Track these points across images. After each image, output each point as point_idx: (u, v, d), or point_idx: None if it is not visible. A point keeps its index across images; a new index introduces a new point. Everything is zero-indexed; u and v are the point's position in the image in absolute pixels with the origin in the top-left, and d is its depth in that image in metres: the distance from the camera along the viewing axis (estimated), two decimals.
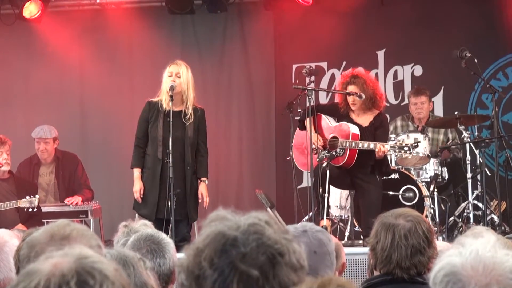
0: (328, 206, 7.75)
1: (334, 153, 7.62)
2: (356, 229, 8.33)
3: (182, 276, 1.82)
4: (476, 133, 8.95)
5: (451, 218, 8.49)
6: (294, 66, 10.42)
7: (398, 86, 10.28)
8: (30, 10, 10.18)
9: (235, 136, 10.70)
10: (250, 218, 1.84)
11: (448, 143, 9.01)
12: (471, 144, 8.36)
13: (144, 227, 3.90)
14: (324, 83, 10.29)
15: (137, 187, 7.50)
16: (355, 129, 7.71)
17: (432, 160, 8.56)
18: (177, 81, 7.42)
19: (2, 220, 8.01)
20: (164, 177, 7.37)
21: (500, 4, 9.89)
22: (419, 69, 10.20)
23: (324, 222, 7.45)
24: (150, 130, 7.53)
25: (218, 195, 10.21)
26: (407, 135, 8.30)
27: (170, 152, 7.27)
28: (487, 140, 8.63)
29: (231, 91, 10.74)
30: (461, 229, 8.23)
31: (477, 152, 8.36)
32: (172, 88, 7.35)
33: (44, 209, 8.46)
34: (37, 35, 10.58)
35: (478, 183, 8.47)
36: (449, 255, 1.86)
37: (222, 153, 10.44)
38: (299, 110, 8.06)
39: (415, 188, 8.40)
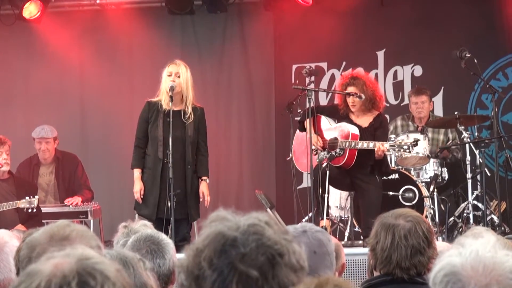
0: (328, 207, 7.74)
1: (333, 153, 7.62)
2: (356, 229, 8.33)
3: (182, 276, 1.82)
4: (476, 134, 8.94)
5: (451, 219, 8.48)
6: (294, 67, 10.42)
7: (398, 87, 10.28)
8: (30, 11, 10.17)
9: (235, 136, 10.70)
10: (250, 219, 1.84)
11: (448, 143, 9.02)
12: (471, 144, 8.36)
13: (144, 227, 3.90)
14: (324, 84, 10.29)
15: (138, 187, 7.50)
16: (354, 130, 7.71)
17: (432, 160, 8.56)
18: (176, 81, 7.42)
19: (1, 220, 8.00)
20: (164, 177, 7.37)
21: (500, 4, 9.89)
22: (419, 69, 10.20)
23: (324, 222, 7.45)
24: (150, 130, 7.53)
25: (218, 195, 10.20)
26: (407, 135, 8.30)
27: (170, 152, 7.27)
28: (487, 141, 8.63)
29: (231, 91, 10.74)
30: (461, 229, 8.23)
31: (477, 152, 8.35)
32: (172, 89, 7.35)
33: (43, 210, 8.46)
34: (37, 35, 10.58)
35: (478, 183, 8.47)
36: (449, 255, 1.86)
37: (222, 154, 10.44)
38: (299, 111, 8.06)
39: (415, 189, 8.40)
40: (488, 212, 8.26)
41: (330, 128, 7.89)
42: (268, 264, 1.78)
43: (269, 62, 10.66)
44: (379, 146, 7.51)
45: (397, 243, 3.32)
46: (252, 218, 1.84)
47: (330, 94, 9.41)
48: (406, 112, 9.36)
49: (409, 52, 10.18)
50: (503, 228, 8.05)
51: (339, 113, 7.90)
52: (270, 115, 10.63)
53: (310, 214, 7.84)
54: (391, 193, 8.32)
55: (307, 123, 7.67)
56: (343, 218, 8.73)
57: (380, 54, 10.31)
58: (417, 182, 8.43)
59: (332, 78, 10.29)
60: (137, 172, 7.55)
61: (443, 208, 8.47)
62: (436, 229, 8.03)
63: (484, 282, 1.79)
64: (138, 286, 2.65)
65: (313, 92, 7.76)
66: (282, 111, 8.82)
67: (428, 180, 8.62)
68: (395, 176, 8.43)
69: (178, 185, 7.38)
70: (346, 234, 8.60)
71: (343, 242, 7.77)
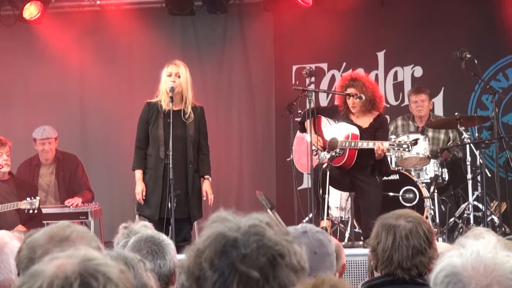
0: (328, 207, 7.75)
1: (334, 153, 7.63)
2: (356, 230, 8.33)
3: (182, 277, 1.82)
4: (476, 134, 8.94)
5: (451, 219, 8.48)
6: (294, 67, 10.42)
7: (398, 87, 10.28)
8: (30, 12, 10.18)
9: (235, 137, 10.70)
10: (250, 220, 1.84)
11: (449, 143, 9.02)
12: (471, 145, 8.36)
13: (144, 228, 3.90)
14: (324, 84, 10.28)
15: (139, 188, 7.49)
16: (354, 130, 7.72)
17: (432, 161, 8.56)
18: (177, 82, 7.43)
19: (2, 221, 8.00)
20: (166, 177, 7.37)
21: (500, 5, 9.88)
22: (419, 70, 10.20)
23: (324, 223, 7.45)
24: (151, 130, 7.53)
25: (219, 196, 10.19)
26: (407, 136, 8.30)
27: (171, 153, 7.27)
28: (487, 141, 8.63)
29: (231, 92, 10.74)
30: (461, 230, 8.23)
31: (477, 153, 8.35)
32: (172, 89, 7.36)
33: (44, 211, 8.46)
34: (37, 36, 10.58)
35: (478, 184, 8.46)
36: (450, 256, 1.86)
37: (222, 154, 10.44)
38: (299, 111, 8.06)
39: (415, 189, 8.40)
40: (488, 213, 8.26)
41: (330, 129, 7.89)
42: (269, 265, 1.77)
43: (269, 62, 10.66)
44: (378, 146, 7.52)
45: (399, 243, 3.32)
46: (253, 219, 1.84)
47: (330, 95, 9.41)
48: (407, 113, 9.36)
49: (409, 52, 10.18)
50: (503, 229, 8.05)
51: (339, 114, 7.91)
52: (270, 115, 10.63)
53: (311, 215, 7.84)
54: (391, 193, 8.32)
55: (308, 123, 7.68)
56: (343, 219, 8.73)
57: (380, 55, 10.31)
58: (418, 183, 8.43)
59: (333, 79, 10.29)
60: (138, 173, 7.55)
61: (444, 209, 8.47)
62: (436, 229, 8.03)
63: (485, 283, 1.79)
64: (138, 287, 2.65)
65: (313, 93, 7.76)
66: (282, 112, 8.82)
67: (429, 180, 8.62)
68: (395, 176, 8.43)
69: (179, 185, 7.38)
70: (347, 235, 8.60)
71: (343, 243, 7.77)
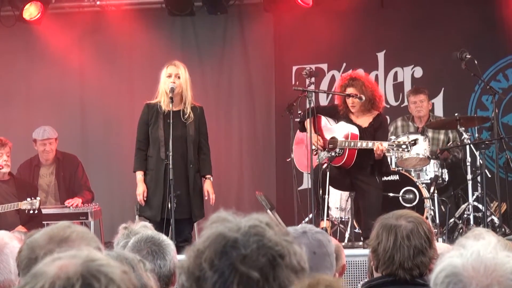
0: (328, 208, 7.75)
1: (333, 153, 7.63)
2: (356, 230, 8.33)
3: (182, 278, 1.82)
4: (476, 135, 8.94)
5: (451, 220, 8.48)
6: (294, 68, 10.41)
7: (398, 88, 10.27)
8: (30, 12, 10.17)
9: (235, 137, 10.70)
10: (250, 220, 1.84)
11: (449, 144, 9.02)
12: (471, 145, 8.36)
13: (144, 228, 3.90)
14: (324, 85, 10.28)
15: (141, 190, 7.49)
16: (354, 130, 7.73)
17: (432, 161, 8.56)
18: (177, 82, 7.43)
19: (2, 222, 8.00)
20: (167, 177, 7.37)
21: (500, 6, 9.88)
22: (419, 70, 10.20)
23: (324, 223, 7.46)
24: (151, 131, 7.53)
25: (219, 196, 10.15)
26: (407, 136, 8.30)
27: (171, 154, 7.27)
28: (487, 142, 8.62)
29: (231, 92, 10.74)
30: (461, 230, 8.23)
31: (477, 153, 8.35)
32: (172, 90, 7.36)
33: (44, 211, 8.45)
34: (37, 37, 10.58)
35: (478, 184, 8.46)
36: (450, 257, 1.86)
37: (222, 155, 10.43)
38: (299, 112, 8.06)
39: (415, 190, 8.40)
40: (488, 213, 8.26)
41: (330, 128, 7.89)
42: (269, 265, 1.77)
43: (269, 63, 10.66)
44: (378, 146, 7.52)
45: (400, 243, 3.32)
46: (253, 220, 1.84)
47: (330, 95, 9.41)
48: (407, 113, 9.37)
49: (409, 53, 10.18)
50: (503, 229, 8.05)
51: (339, 114, 7.91)
52: (270, 116, 10.62)
53: (311, 215, 7.84)
54: (391, 194, 8.32)
55: (307, 123, 7.68)
56: (343, 219, 8.73)
57: (380, 56, 10.31)
58: (418, 183, 8.43)
59: (333, 79, 10.28)
60: (139, 175, 7.54)
61: (444, 209, 8.47)
62: (436, 230, 8.03)
63: (485, 283, 1.79)
64: (138, 287, 2.65)
65: (313, 94, 7.77)
66: (282, 112, 8.81)
67: (429, 181, 8.62)
68: (395, 177, 8.43)
69: (180, 186, 7.38)
70: (347, 235, 8.59)
71: (343, 243, 7.77)
